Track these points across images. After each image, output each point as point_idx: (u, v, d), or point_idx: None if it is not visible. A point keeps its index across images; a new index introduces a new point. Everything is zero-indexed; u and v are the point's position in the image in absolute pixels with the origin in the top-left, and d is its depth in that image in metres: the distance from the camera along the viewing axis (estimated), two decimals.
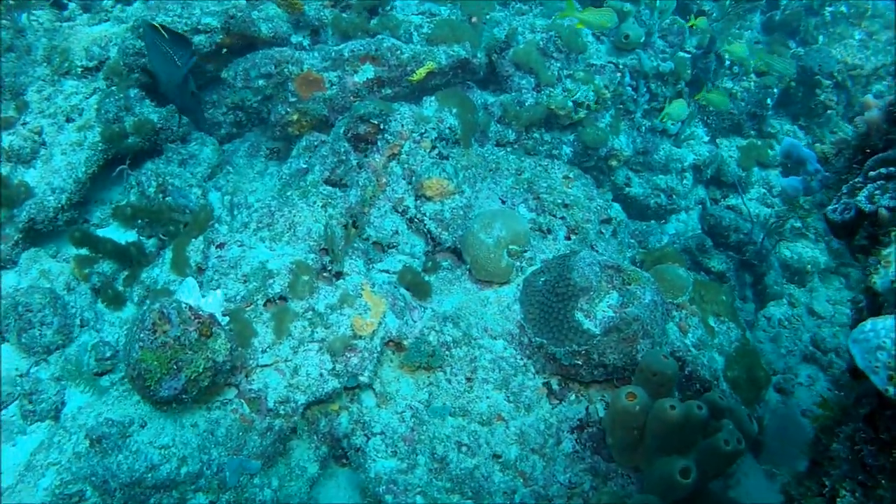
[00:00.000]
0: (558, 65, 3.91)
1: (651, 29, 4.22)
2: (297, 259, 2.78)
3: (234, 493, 2.47)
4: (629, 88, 4.14)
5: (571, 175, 3.51)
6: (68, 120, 3.47)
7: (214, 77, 3.64)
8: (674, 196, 4.40)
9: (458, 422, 2.73)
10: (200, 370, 2.33)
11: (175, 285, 2.84)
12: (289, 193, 3.06)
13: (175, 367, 2.27)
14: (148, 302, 2.83)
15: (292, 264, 2.76)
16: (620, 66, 4.09)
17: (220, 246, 2.87)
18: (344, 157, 3.17)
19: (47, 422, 2.77)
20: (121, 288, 3.09)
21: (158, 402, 2.32)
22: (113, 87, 3.50)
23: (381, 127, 3.16)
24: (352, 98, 3.39)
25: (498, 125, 3.77)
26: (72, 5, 3.88)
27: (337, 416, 2.70)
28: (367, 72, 3.38)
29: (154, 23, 3.15)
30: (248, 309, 2.68)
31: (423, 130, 3.23)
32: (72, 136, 3.37)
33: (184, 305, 2.38)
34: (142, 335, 2.28)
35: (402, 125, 3.19)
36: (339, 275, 2.85)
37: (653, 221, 4.37)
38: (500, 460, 2.69)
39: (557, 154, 3.90)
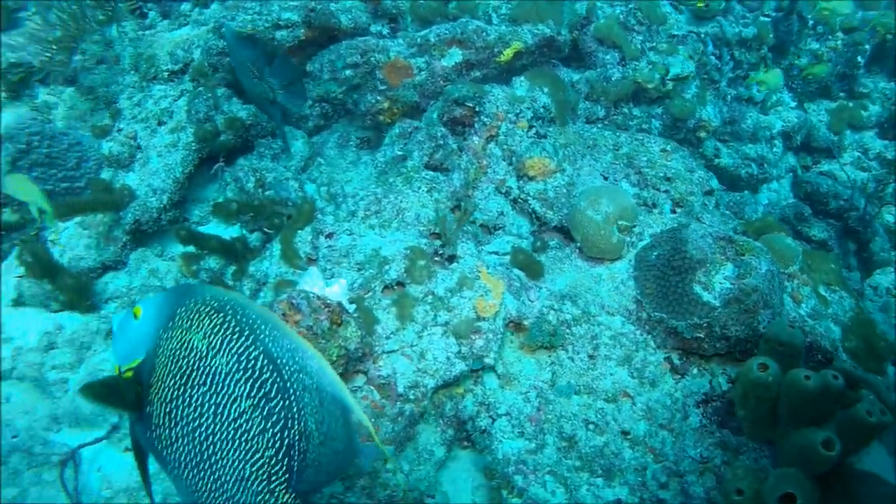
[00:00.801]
0: (640, 38, 3.84)
1: None
2: (410, 244, 2.76)
3: (369, 478, 2.46)
4: (712, 57, 4.05)
5: (668, 148, 3.43)
6: (160, 123, 3.51)
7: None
8: (765, 165, 4.29)
9: (583, 400, 2.68)
10: (334, 358, 2.32)
11: (289, 276, 2.85)
12: (391, 180, 3.05)
13: None
14: (263, 294, 2.84)
15: (406, 249, 2.74)
16: (702, 35, 4.00)
17: (330, 236, 2.87)
18: (442, 142, 3.14)
19: None
20: (230, 282, 3.11)
21: None
22: (199, 88, 3.53)
23: (477, 109, 3.12)
24: (441, 82, 3.36)
25: (586, 102, 3.71)
26: (152, 14, 3.92)
27: (462, 398, 2.68)
28: (455, 55, 3.35)
29: (235, 28, 3.16)
30: (366, 296, 2.67)
31: (518, 111, 3.19)
32: (165, 139, 3.41)
33: (311, 295, 2.37)
34: None
35: (497, 106, 3.15)
36: (452, 258, 2.82)
37: (746, 192, 4.26)
38: (628, 437, 2.64)
39: (647, 128, 3.83)
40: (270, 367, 1.41)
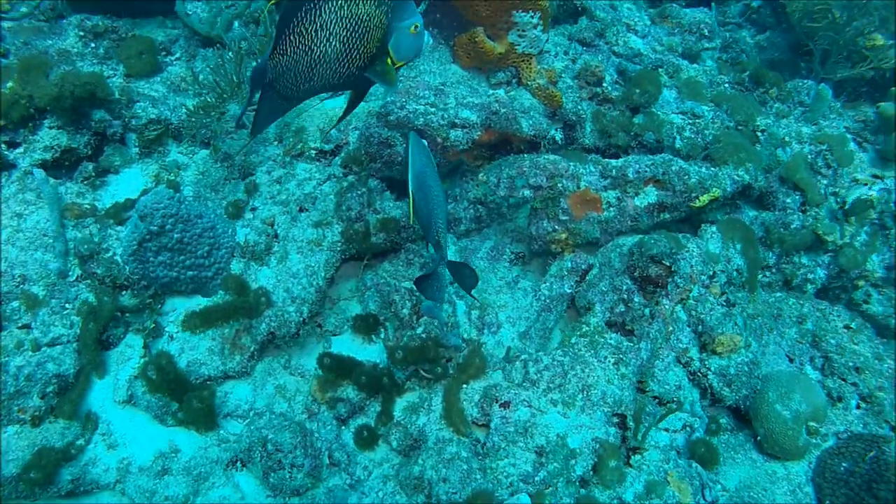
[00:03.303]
0: (825, 182, 3.50)
1: None
2: (599, 437, 2.46)
3: None
4: (892, 205, 3.71)
5: (854, 326, 3.14)
6: (301, 210, 3.16)
7: (457, 168, 3.30)
8: None
9: None
10: None
11: (451, 446, 2.54)
12: (573, 340, 2.73)
13: None
14: (422, 459, 2.54)
15: (595, 442, 2.45)
16: (886, 181, 3.66)
17: (506, 405, 2.56)
18: (626, 297, 2.82)
19: None
20: (371, 423, 2.80)
21: None
22: (352, 178, 3.18)
23: (672, 269, 2.79)
24: (629, 222, 3.03)
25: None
26: None
27: None
28: (650, 195, 3.01)
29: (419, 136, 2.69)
30: (546, 491, 2.38)
31: (711, 273, 2.87)
32: (308, 233, 3.06)
33: None
34: None
35: (692, 266, 2.83)
36: (635, 449, 2.53)
37: None
38: None
39: (812, 278, 3.51)
40: None
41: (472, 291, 2.50)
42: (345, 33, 2.02)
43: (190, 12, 3.61)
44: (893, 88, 3.75)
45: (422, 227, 2.52)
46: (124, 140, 3.31)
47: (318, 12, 1.97)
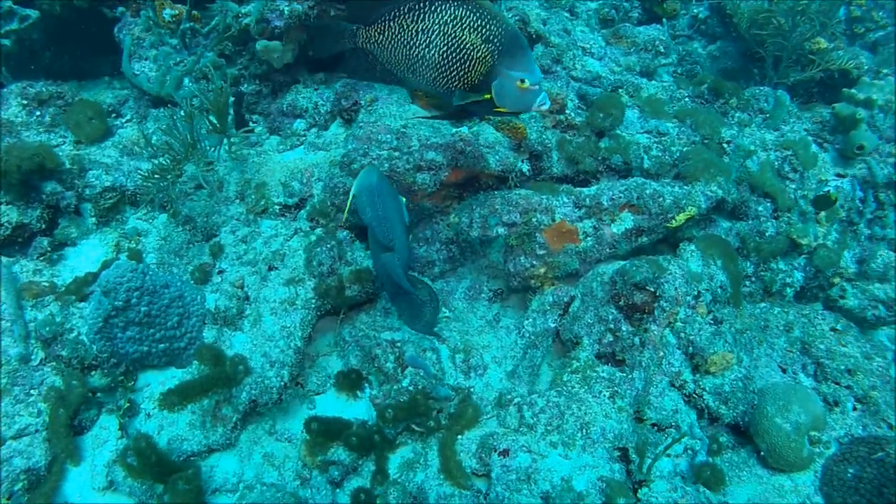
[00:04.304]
0: (794, 186, 3.51)
1: (882, 133, 3.82)
2: (604, 476, 2.39)
3: None
4: (857, 202, 3.74)
5: (840, 327, 3.14)
6: (270, 268, 3.05)
7: (430, 212, 3.23)
8: (894, 308, 4.01)
9: None
10: None
11: (453, 500, 2.45)
12: (566, 378, 2.67)
13: None
14: None
15: (601, 482, 2.37)
16: (849, 178, 3.69)
17: (505, 453, 2.47)
18: (614, 327, 2.77)
19: None
20: (367, 484, 2.69)
21: None
22: (320, 230, 3.09)
23: (657, 294, 2.75)
24: (608, 250, 2.98)
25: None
26: (259, 128, 3.45)
27: None
28: (627, 221, 2.97)
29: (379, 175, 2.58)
30: None
31: (695, 292, 2.83)
32: (280, 293, 2.95)
33: None
34: None
35: (676, 288, 2.79)
36: (641, 483, 2.47)
37: None
38: None
39: (790, 282, 3.51)
40: None
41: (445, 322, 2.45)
42: (445, 49, 2.18)
43: (138, 72, 3.50)
44: (845, 89, 3.80)
45: (372, 237, 2.44)
46: (79, 210, 3.18)
47: (420, 16, 2.18)
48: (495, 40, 2.10)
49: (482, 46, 2.12)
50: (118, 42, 3.56)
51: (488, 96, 2.21)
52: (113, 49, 3.59)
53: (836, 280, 3.82)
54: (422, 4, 2.17)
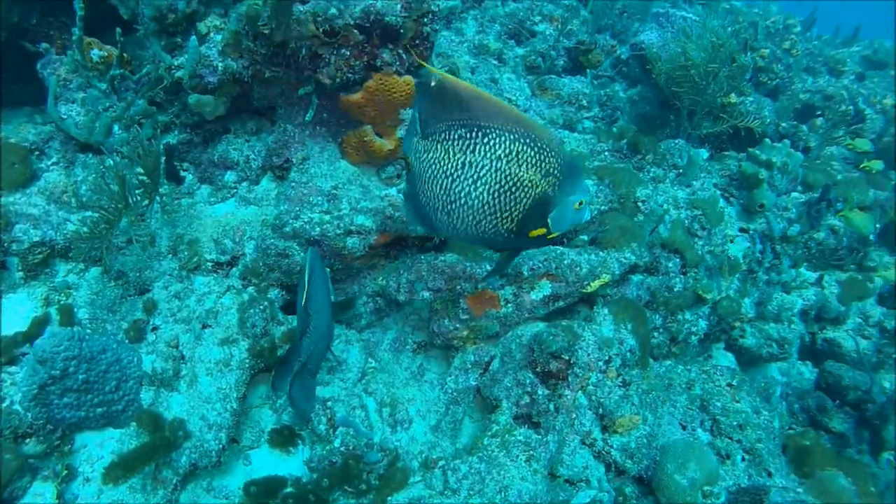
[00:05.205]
0: (701, 242, 3.80)
1: (780, 190, 4.14)
2: None
3: None
4: (758, 253, 4.07)
5: (735, 382, 3.43)
6: (204, 326, 3.13)
7: (358, 270, 3.35)
8: (785, 346, 4.39)
9: None
10: None
11: None
12: (486, 442, 2.87)
13: None
14: None
15: None
16: (751, 233, 4.02)
17: None
18: (531, 390, 2.99)
19: None
20: None
21: None
22: (251, 288, 3.17)
23: (571, 361, 2.98)
24: (526, 315, 3.18)
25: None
26: (189, 178, 3.47)
27: None
28: (545, 288, 3.17)
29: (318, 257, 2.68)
30: None
31: (606, 357, 3.08)
32: (215, 353, 3.04)
33: None
34: None
35: (589, 354, 3.02)
36: None
37: (768, 378, 4.37)
38: None
39: (695, 330, 3.81)
40: None
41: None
42: (496, 186, 1.88)
43: (65, 116, 3.45)
44: (750, 149, 4.10)
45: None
46: (5, 265, 3.15)
47: (470, 145, 1.87)
48: (555, 172, 1.86)
49: (541, 182, 1.87)
50: (41, 78, 3.49)
51: (542, 231, 1.98)
52: (34, 77, 3.51)
53: (737, 324, 4.18)
54: (469, 133, 1.85)
